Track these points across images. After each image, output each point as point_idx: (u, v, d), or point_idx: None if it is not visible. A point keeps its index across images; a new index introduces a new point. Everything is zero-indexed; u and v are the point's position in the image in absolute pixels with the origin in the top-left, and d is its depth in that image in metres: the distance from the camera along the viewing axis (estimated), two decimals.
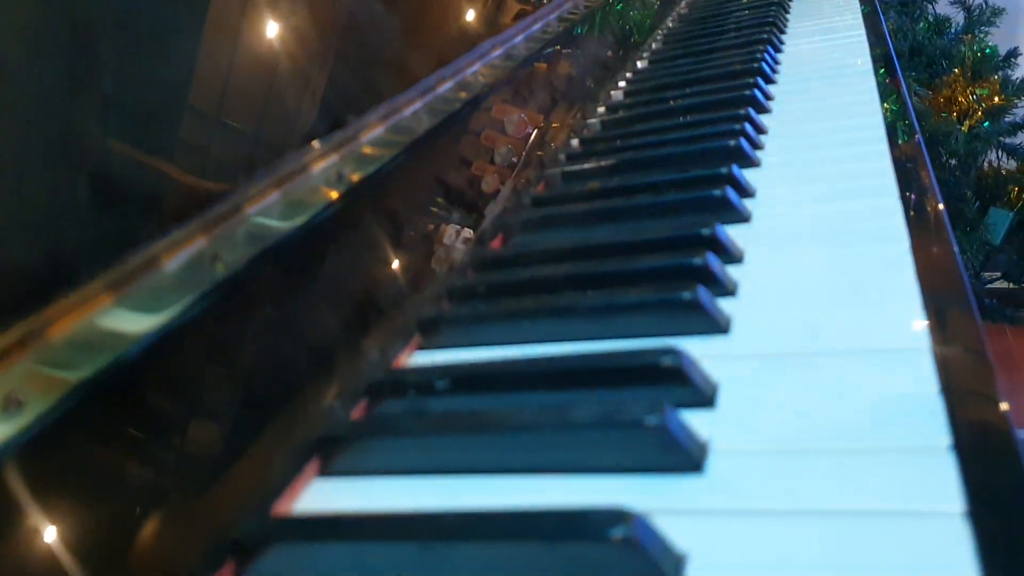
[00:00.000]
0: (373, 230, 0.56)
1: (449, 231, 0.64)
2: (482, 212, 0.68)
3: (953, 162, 2.23)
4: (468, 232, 0.65)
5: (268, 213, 0.43)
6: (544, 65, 0.92)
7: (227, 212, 0.40)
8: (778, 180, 0.67)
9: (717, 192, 0.61)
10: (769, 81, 0.93)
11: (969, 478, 0.33)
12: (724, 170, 0.64)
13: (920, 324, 0.43)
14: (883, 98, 0.84)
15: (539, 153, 0.81)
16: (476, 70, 0.71)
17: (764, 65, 0.93)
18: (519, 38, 0.81)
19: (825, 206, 0.61)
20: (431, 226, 0.62)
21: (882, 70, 0.95)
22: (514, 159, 0.76)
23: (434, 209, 0.64)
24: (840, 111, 0.81)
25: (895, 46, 2.43)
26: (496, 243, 0.66)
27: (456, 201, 0.66)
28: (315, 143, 0.49)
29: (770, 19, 1.17)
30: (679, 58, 1.10)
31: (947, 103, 2.35)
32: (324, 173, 0.49)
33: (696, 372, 0.41)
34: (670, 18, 1.38)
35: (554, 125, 0.88)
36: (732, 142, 0.71)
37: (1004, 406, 0.38)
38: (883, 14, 2.43)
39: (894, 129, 0.75)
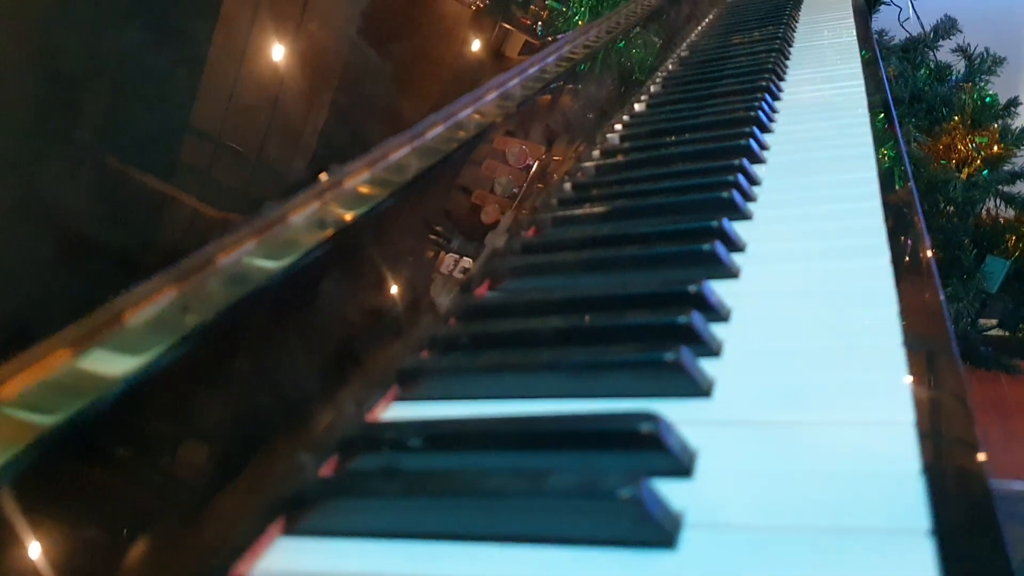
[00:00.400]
0: (357, 274, 0.55)
1: (448, 260, 0.64)
2: (482, 241, 0.68)
3: (951, 209, 2.24)
4: (467, 261, 0.65)
5: (243, 260, 0.43)
6: (547, 98, 0.92)
7: (199, 263, 0.39)
8: (769, 234, 0.66)
9: (706, 247, 0.60)
10: (765, 130, 0.92)
11: (949, 564, 0.32)
12: (714, 224, 0.63)
13: (906, 396, 0.43)
14: (879, 144, 0.85)
15: (539, 185, 0.82)
16: (468, 114, 0.71)
17: (760, 114, 0.93)
18: (514, 81, 0.81)
19: (815, 263, 0.60)
20: (430, 253, 0.62)
21: (880, 115, 0.96)
22: (515, 190, 0.77)
23: (433, 237, 0.64)
24: (835, 164, 0.81)
25: (895, 92, 2.46)
26: (482, 289, 0.65)
27: (455, 230, 0.66)
28: (298, 190, 0.48)
29: (769, 66, 1.17)
30: (675, 103, 1.10)
31: (946, 150, 2.36)
32: (305, 218, 0.48)
33: (674, 440, 0.40)
34: (671, 60, 1.39)
35: (555, 158, 0.89)
36: (724, 194, 0.70)
37: (990, 487, 0.37)
38: (884, 60, 2.45)
39: (890, 176, 0.75)
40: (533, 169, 0.81)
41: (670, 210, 0.71)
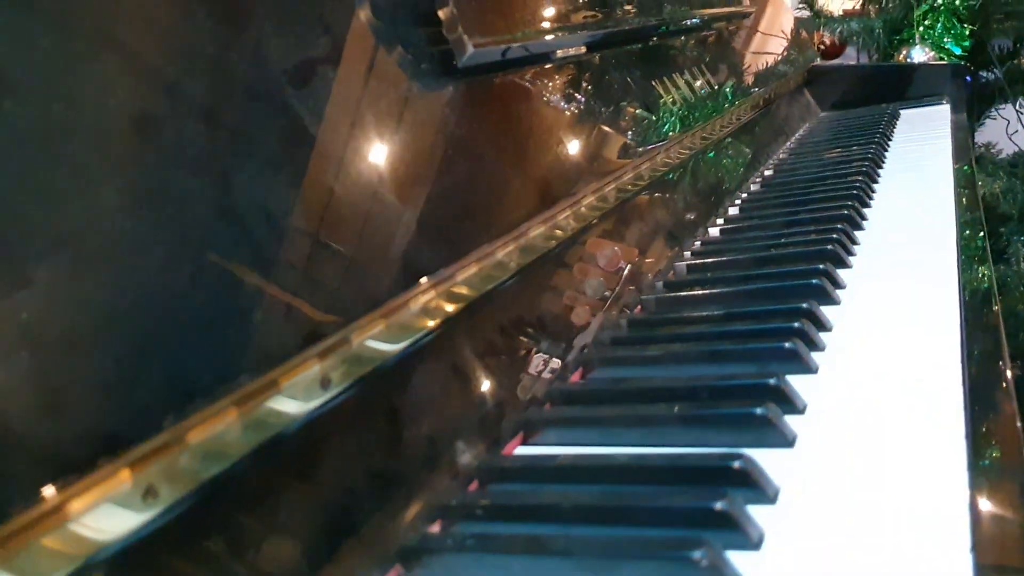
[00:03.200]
0: (456, 363, 0.59)
1: (536, 360, 0.66)
2: (570, 343, 0.71)
3: None
4: (556, 362, 0.68)
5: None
6: (644, 200, 0.95)
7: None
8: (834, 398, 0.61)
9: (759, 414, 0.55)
10: (841, 264, 0.87)
11: None
12: (772, 381, 0.59)
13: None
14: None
15: (630, 288, 0.86)
16: (567, 216, 0.74)
17: (836, 248, 0.88)
18: (610, 187, 0.84)
19: (878, 414, 0.55)
20: (521, 353, 0.65)
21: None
22: (606, 292, 0.80)
23: (523, 339, 0.66)
24: (913, 305, 0.75)
25: (1004, 208, 2.34)
26: (576, 377, 0.70)
27: (545, 332, 0.69)
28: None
29: (854, 191, 1.12)
30: (751, 228, 1.06)
31: None
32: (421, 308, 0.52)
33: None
34: (753, 179, 1.35)
35: (648, 260, 0.92)
36: (787, 344, 0.65)
37: None
38: (991, 175, 2.34)
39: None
40: (625, 272, 0.85)
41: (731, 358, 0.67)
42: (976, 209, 1.09)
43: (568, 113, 0.81)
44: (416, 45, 0.62)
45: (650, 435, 0.58)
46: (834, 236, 0.92)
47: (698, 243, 1.04)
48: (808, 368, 0.65)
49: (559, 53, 0.83)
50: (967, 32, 2.35)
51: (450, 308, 0.56)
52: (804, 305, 0.72)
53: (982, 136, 2.64)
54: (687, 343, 0.71)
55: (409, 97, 0.59)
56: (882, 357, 0.66)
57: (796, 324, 0.69)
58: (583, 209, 0.77)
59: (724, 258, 0.96)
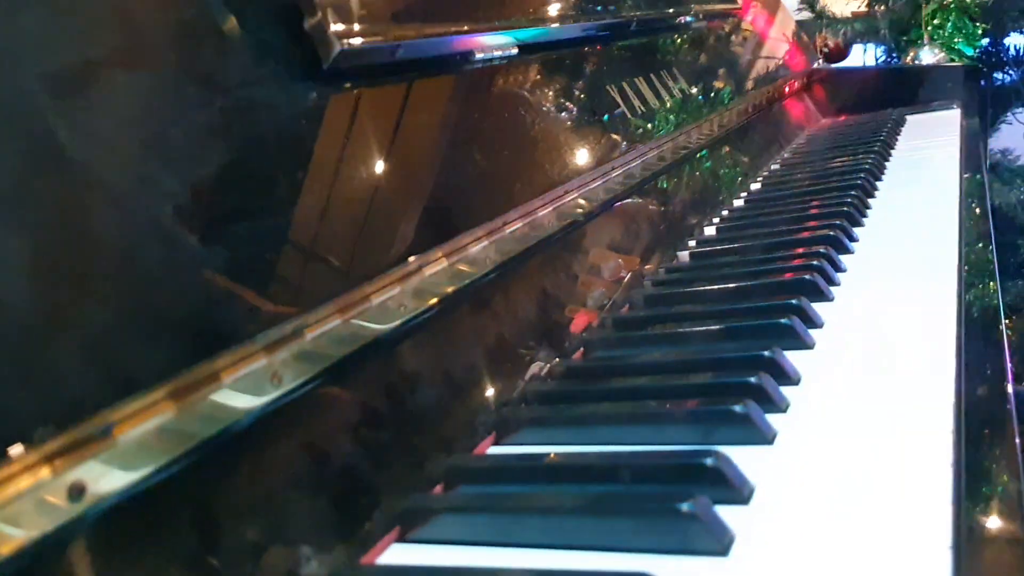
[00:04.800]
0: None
1: (534, 368, 0.65)
2: (567, 352, 0.70)
3: None
4: None
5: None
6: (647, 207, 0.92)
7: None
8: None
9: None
10: (822, 296, 0.75)
11: None
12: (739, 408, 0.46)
13: None
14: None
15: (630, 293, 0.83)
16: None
17: (817, 279, 0.76)
18: (597, 183, 0.81)
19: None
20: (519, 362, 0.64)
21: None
22: (605, 301, 0.79)
23: (522, 351, 0.65)
24: (892, 352, 0.62)
25: (1021, 217, 2.19)
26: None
27: (544, 341, 0.67)
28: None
29: (845, 209, 0.99)
30: (733, 252, 0.94)
31: None
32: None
33: None
34: (740, 194, 1.22)
35: (647, 268, 0.89)
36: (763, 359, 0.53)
37: None
38: (1007, 183, 2.20)
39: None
40: (625, 280, 0.84)
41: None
42: (985, 222, 0.97)
43: (487, 131, 0.68)
44: (269, 42, 0.50)
45: None
46: (815, 263, 0.79)
47: (662, 270, 0.91)
48: (764, 438, 0.52)
49: (485, 55, 0.70)
50: (980, 31, 2.20)
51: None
52: (766, 353, 0.60)
53: (997, 142, 2.48)
54: (620, 403, 0.59)
55: (249, 107, 0.47)
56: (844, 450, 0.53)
57: (752, 379, 0.56)
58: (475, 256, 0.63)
59: (690, 288, 0.83)
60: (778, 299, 0.72)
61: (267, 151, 0.47)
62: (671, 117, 1.07)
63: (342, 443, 0.46)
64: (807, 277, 0.76)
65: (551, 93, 0.79)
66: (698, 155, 1.16)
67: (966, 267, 0.80)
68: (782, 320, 0.66)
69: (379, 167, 0.55)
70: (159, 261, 0.40)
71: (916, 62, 2.21)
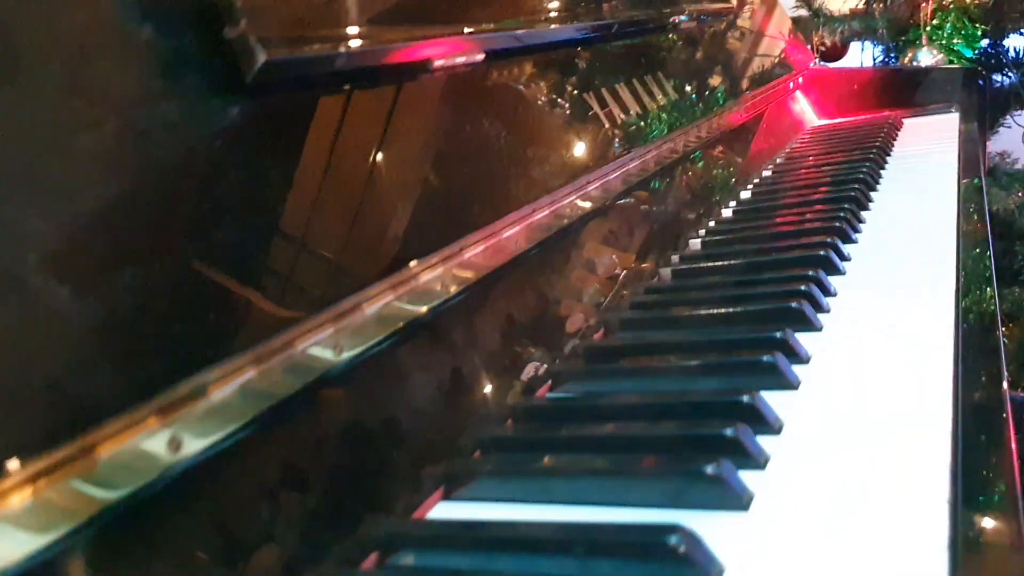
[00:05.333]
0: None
1: (530, 368, 0.64)
2: (563, 350, 0.68)
3: None
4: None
5: None
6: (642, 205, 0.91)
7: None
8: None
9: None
10: (809, 325, 0.69)
11: None
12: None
13: None
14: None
15: (624, 292, 0.82)
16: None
17: (806, 307, 0.70)
18: (593, 185, 0.79)
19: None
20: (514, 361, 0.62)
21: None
22: (600, 299, 0.77)
23: (517, 349, 0.64)
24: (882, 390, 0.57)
25: (1022, 224, 2.14)
26: (543, 391, 0.64)
27: (539, 340, 0.66)
28: None
29: (836, 223, 0.94)
30: (718, 272, 0.88)
31: None
32: None
33: None
34: (728, 205, 1.17)
35: (644, 265, 0.87)
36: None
37: None
38: (1006, 188, 2.15)
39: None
40: (621, 277, 0.82)
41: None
42: (983, 228, 0.92)
43: (444, 147, 0.62)
44: (182, 51, 0.44)
45: None
46: (802, 288, 0.74)
47: (642, 289, 0.85)
48: (739, 502, 0.47)
49: (443, 62, 0.64)
50: (979, 33, 2.15)
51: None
52: (745, 399, 0.54)
53: (996, 145, 2.43)
54: (581, 456, 0.53)
55: (152, 127, 0.41)
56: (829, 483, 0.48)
57: (728, 431, 0.50)
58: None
59: (668, 314, 0.78)
60: (761, 331, 0.66)
61: (169, 177, 0.41)
62: (655, 126, 1.01)
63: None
64: (793, 305, 0.70)
65: (515, 103, 0.74)
66: (689, 158, 1.10)
67: (963, 274, 0.77)
68: (763, 358, 0.60)
69: (309, 194, 0.49)
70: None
71: (914, 63, 2.15)
